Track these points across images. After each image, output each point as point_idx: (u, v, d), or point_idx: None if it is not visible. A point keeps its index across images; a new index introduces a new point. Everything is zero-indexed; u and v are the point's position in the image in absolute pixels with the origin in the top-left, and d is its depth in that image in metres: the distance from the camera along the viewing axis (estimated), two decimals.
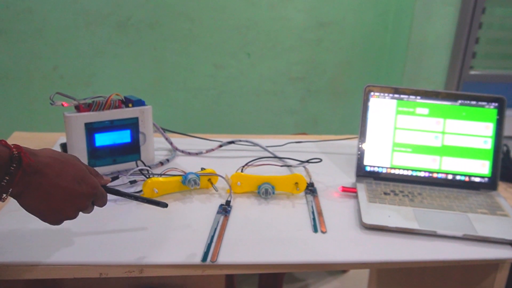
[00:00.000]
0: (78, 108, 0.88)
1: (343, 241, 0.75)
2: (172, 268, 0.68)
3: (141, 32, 1.81)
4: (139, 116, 0.93)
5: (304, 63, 1.97)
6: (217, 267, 0.69)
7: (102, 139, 0.91)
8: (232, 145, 1.13)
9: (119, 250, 0.69)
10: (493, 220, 0.82)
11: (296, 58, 1.96)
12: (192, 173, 0.88)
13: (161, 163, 1.00)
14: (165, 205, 0.71)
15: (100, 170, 0.90)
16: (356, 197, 0.90)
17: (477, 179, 0.95)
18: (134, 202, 0.83)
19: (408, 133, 0.97)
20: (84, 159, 0.89)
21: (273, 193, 0.89)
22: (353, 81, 2.04)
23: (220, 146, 1.11)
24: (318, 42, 1.95)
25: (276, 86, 1.99)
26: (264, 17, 1.87)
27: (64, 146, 0.97)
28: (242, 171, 0.94)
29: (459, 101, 0.96)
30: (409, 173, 0.97)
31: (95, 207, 0.66)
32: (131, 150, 0.95)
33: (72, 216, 0.62)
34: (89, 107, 0.88)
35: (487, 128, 0.95)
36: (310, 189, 0.92)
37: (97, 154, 0.91)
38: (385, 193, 0.90)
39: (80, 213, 0.63)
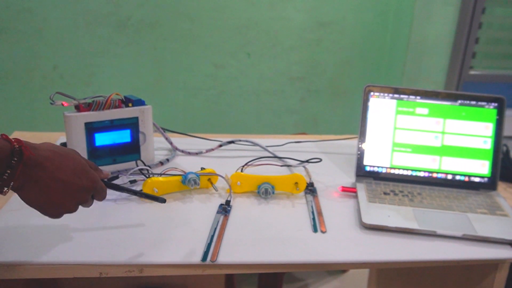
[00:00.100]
0: (78, 108, 0.88)
1: (343, 241, 0.75)
2: (172, 268, 0.68)
3: (141, 32, 1.81)
4: (139, 115, 0.94)
5: (304, 63, 1.97)
6: (217, 266, 0.69)
7: (102, 139, 0.91)
8: (232, 145, 1.13)
9: (119, 249, 0.69)
10: (492, 220, 0.82)
11: (296, 58, 1.96)
12: (192, 172, 0.88)
13: (161, 163, 1.00)
14: (163, 201, 0.72)
15: None
16: (356, 197, 0.90)
17: (477, 179, 0.95)
18: (134, 202, 0.83)
19: (408, 133, 0.97)
20: None
21: (273, 193, 0.89)
22: (353, 81, 2.04)
23: (220, 146, 1.11)
24: (318, 42, 1.95)
25: (276, 86, 1.99)
26: (264, 17, 1.87)
27: (64, 146, 0.97)
28: (242, 171, 0.94)
29: (459, 101, 0.96)
30: (409, 173, 0.97)
31: (94, 202, 0.67)
32: (131, 150, 0.95)
33: (72, 209, 0.62)
34: (89, 106, 0.89)
35: (487, 128, 0.95)
36: (310, 189, 0.92)
37: (97, 154, 0.91)
38: (385, 193, 0.90)
39: (80, 212, 0.63)
